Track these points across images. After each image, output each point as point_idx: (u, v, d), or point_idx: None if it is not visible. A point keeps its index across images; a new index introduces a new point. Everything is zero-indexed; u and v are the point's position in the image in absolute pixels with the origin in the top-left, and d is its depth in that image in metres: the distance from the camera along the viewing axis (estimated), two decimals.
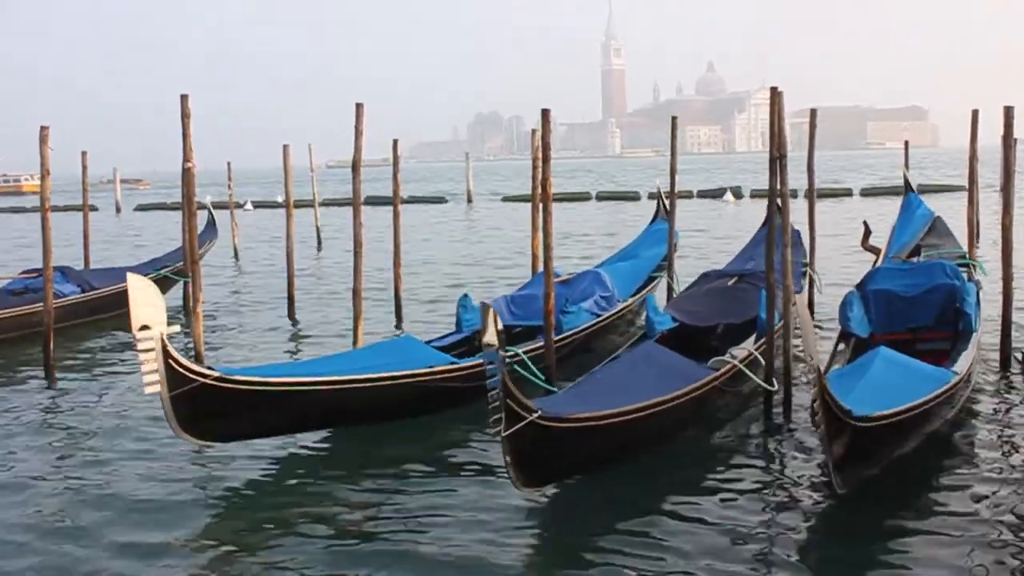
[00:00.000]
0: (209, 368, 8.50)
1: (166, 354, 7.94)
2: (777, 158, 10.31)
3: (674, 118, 15.87)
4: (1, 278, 18.26)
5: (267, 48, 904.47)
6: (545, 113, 11.43)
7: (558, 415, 7.43)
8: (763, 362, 10.06)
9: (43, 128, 13.89)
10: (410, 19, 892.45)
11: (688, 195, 49.74)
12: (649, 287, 14.98)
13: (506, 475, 7.35)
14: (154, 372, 7.91)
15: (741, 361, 10.01)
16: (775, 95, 10.32)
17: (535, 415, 7.10)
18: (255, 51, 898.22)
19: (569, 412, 7.62)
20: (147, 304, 7.83)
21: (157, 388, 7.96)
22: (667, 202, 16.19)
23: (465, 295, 12.86)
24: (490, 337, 7.01)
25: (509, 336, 12.15)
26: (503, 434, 7.00)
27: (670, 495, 8.09)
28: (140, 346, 7.89)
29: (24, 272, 17.37)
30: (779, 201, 10.66)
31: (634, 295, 14.30)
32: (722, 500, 7.97)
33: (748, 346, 10.52)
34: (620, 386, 8.78)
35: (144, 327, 7.80)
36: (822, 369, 7.13)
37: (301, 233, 21.95)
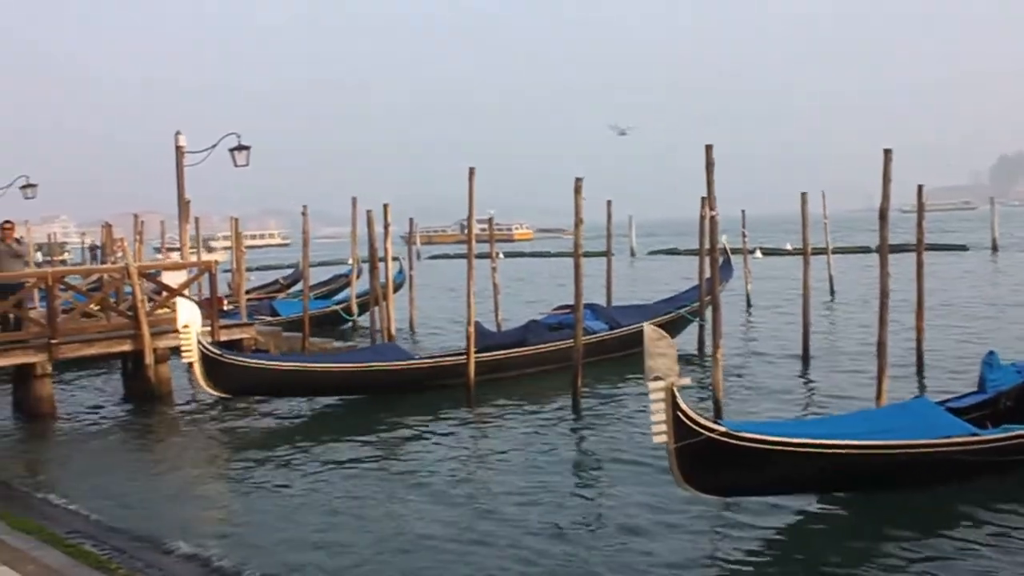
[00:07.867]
0: (716, 422, 8.55)
1: (675, 406, 8.06)
2: None
3: None
4: (540, 312, 20.54)
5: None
6: None
7: None
8: None
9: (577, 180, 15.29)
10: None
11: None
12: None
13: None
14: (663, 423, 8.07)
15: None
16: None
17: None
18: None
19: None
20: (660, 355, 8.05)
21: (664, 439, 8.11)
22: None
23: (991, 352, 11.95)
24: None
25: None
26: None
27: None
28: (652, 396, 8.10)
29: (557, 308, 19.20)
30: None
31: None
32: None
33: None
34: None
35: (656, 378, 8.02)
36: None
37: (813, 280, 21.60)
